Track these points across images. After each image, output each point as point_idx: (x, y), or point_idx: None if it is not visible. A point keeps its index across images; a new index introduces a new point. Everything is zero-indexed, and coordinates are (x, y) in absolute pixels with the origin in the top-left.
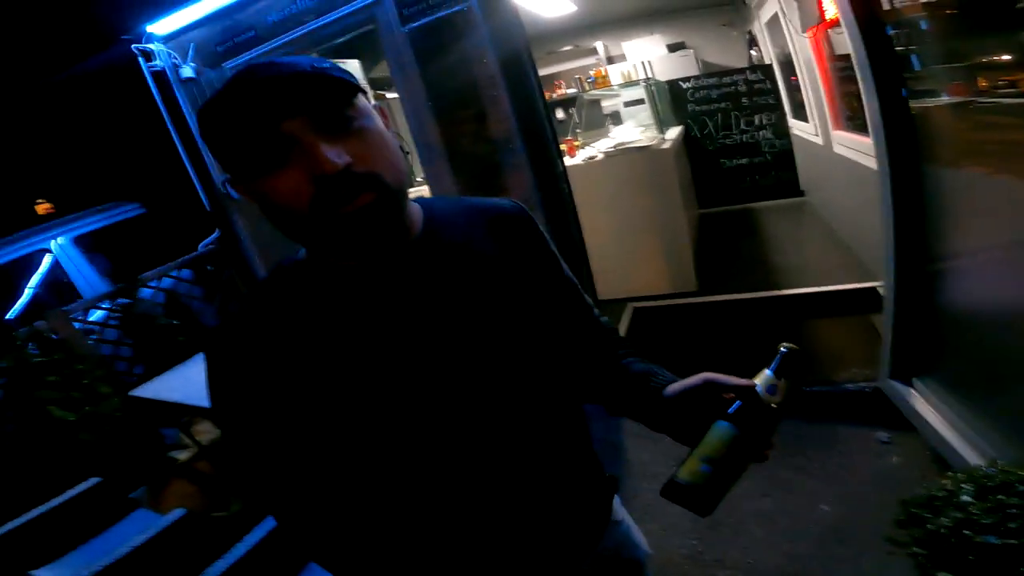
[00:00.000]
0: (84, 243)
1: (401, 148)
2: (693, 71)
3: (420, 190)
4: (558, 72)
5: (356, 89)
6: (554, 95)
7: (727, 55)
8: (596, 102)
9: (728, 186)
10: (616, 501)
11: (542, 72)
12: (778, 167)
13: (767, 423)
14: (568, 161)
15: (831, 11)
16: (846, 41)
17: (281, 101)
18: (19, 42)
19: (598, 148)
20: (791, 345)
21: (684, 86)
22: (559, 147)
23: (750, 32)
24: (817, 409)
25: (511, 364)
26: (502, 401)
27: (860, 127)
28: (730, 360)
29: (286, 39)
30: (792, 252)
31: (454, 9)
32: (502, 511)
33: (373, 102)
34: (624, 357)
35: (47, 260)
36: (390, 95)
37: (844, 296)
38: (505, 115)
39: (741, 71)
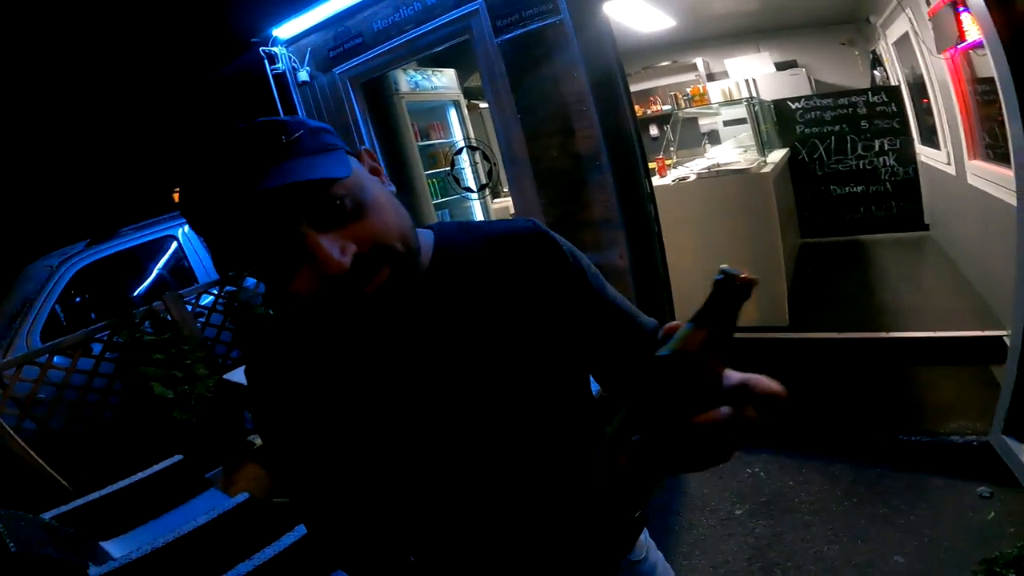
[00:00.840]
0: None
1: (486, 158)
2: (804, 91)
3: (505, 202)
4: (653, 87)
5: (340, 179)
6: (648, 111)
7: (845, 75)
8: (692, 120)
9: (837, 215)
10: (645, 539)
11: (636, 87)
12: (899, 197)
13: (668, 396)
14: (657, 181)
15: (972, 32)
16: (989, 63)
17: (276, 216)
18: (173, 47)
19: (691, 168)
20: (730, 270)
21: (793, 106)
22: (648, 165)
23: (874, 51)
24: (910, 458)
25: (524, 393)
26: (513, 428)
27: (1000, 157)
28: (820, 403)
29: (388, 46)
30: (906, 291)
31: (546, 22)
32: (508, 541)
33: (362, 148)
34: None
35: (173, 246)
36: (483, 105)
37: (962, 343)
38: (592, 130)
39: (861, 92)
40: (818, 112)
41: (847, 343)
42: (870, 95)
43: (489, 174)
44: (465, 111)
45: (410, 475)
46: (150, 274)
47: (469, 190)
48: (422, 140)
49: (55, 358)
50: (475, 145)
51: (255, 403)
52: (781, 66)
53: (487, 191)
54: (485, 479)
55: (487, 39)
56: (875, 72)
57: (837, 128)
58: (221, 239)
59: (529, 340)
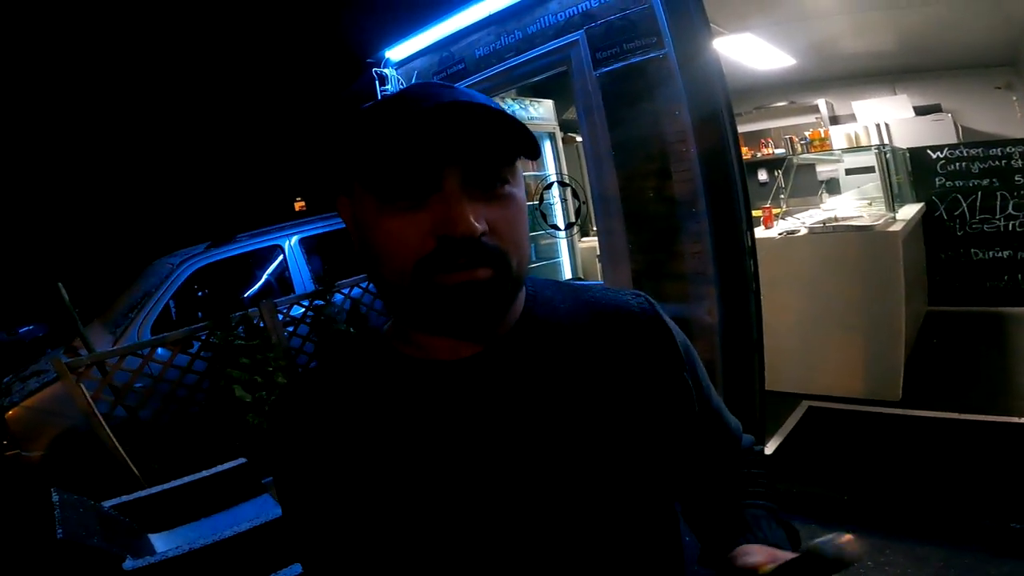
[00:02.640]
0: (307, 244)
1: (576, 196)
2: (949, 139)
3: (591, 242)
4: (766, 129)
5: (524, 149)
6: (757, 154)
7: (999, 123)
8: (809, 167)
9: (975, 282)
10: None
11: (747, 128)
12: None
13: None
14: (761, 232)
15: None
16: None
17: (450, 132)
18: (302, 67)
19: (803, 220)
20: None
21: (934, 156)
22: (751, 216)
23: None
24: (1016, 546)
25: (599, 510)
26: (581, 540)
27: None
28: (928, 491)
29: (488, 73)
30: None
31: (649, 56)
32: None
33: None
34: (745, 499)
35: (279, 256)
36: (579, 139)
37: None
38: (691, 174)
39: (1019, 142)
40: (964, 163)
41: (967, 425)
42: None
43: (578, 212)
44: (560, 144)
45: (442, 569)
46: (257, 280)
47: (556, 227)
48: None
49: (157, 351)
50: (566, 181)
51: (278, 466)
52: (921, 110)
53: (575, 229)
54: None
55: (585, 71)
56: None
57: (986, 182)
58: (380, 140)
59: (620, 445)
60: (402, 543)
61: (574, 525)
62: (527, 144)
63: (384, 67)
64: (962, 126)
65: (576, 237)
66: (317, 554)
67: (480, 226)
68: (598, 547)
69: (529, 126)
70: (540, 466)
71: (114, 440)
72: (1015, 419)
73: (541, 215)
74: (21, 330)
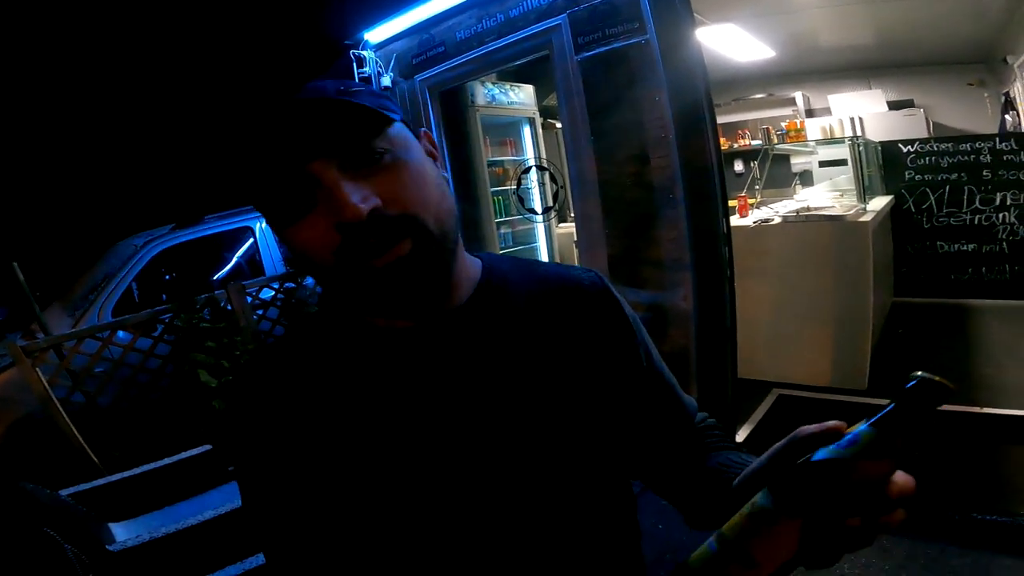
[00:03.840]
0: None
1: (554, 180)
2: (920, 133)
3: (569, 227)
4: (744, 120)
5: (386, 118)
6: (734, 145)
7: (969, 119)
8: (784, 158)
9: (940, 275)
10: None
11: (725, 119)
12: (1016, 260)
13: (831, 501)
14: (736, 220)
15: None
16: None
17: (299, 136)
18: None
19: (776, 210)
20: (926, 375)
21: (904, 149)
22: (727, 204)
23: (1007, 94)
24: (981, 538)
25: (557, 469)
26: (536, 510)
27: None
28: None
29: (468, 57)
30: (1011, 366)
31: (631, 41)
32: None
33: (422, 129)
34: (707, 451)
35: (249, 239)
36: (559, 124)
37: None
38: (669, 160)
39: (988, 138)
40: (934, 157)
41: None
42: (997, 142)
43: (555, 196)
44: (539, 129)
45: (403, 548)
46: (226, 263)
47: (533, 211)
48: (492, 155)
49: (118, 334)
50: (544, 166)
51: (234, 445)
52: (895, 105)
53: (552, 214)
54: (492, 554)
55: (567, 55)
56: (1006, 117)
57: (954, 176)
58: (241, 154)
59: (572, 409)
60: (357, 513)
61: (530, 492)
62: (377, 113)
63: (362, 49)
64: (934, 121)
65: (554, 222)
66: (277, 529)
67: (367, 204)
68: (554, 515)
69: (508, 111)
70: (501, 431)
71: (72, 427)
72: (977, 409)
73: (519, 199)
74: None
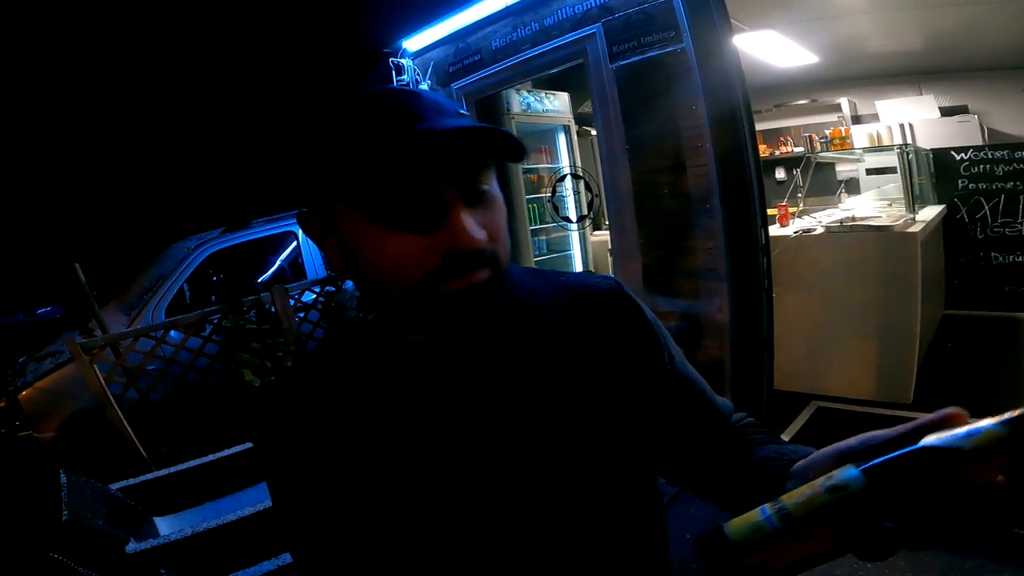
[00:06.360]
0: None
1: (588, 189)
2: (974, 140)
3: (603, 235)
4: (785, 127)
5: (511, 156)
6: (776, 152)
7: None
8: (828, 166)
9: (994, 287)
10: None
11: (766, 126)
12: None
13: (934, 491)
14: (775, 230)
15: None
16: None
17: (446, 158)
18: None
19: (819, 219)
20: None
21: (957, 157)
22: (766, 214)
23: None
24: (1021, 555)
25: (585, 474)
26: (570, 517)
27: None
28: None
29: (504, 65)
30: None
31: (666, 50)
32: None
33: None
34: (749, 448)
35: (292, 242)
36: (594, 132)
37: None
38: (706, 169)
39: None
40: (988, 165)
41: None
42: None
43: (590, 205)
44: (575, 137)
45: (433, 559)
46: (270, 266)
47: (567, 220)
48: (527, 163)
49: (170, 333)
50: (579, 174)
51: (266, 450)
52: (947, 111)
53: (587, 222)
54: (524, 562)
55: (602, 64)
56: None
57: (1010, 185)
58: (378, 172)
59: (603, 418)
60: (389, 523)
61: (562, 502)
62: (515, 151)
63: (401, 57)
64: (989, 128)
65: (588, 230)
66: (305, 537)
67: (481, 236)
68: (586, 523)
69: (543, 119)
70: (533, 442)
71: (124, 422)
72: None
73: (553, 207)
74: (39, 311)
